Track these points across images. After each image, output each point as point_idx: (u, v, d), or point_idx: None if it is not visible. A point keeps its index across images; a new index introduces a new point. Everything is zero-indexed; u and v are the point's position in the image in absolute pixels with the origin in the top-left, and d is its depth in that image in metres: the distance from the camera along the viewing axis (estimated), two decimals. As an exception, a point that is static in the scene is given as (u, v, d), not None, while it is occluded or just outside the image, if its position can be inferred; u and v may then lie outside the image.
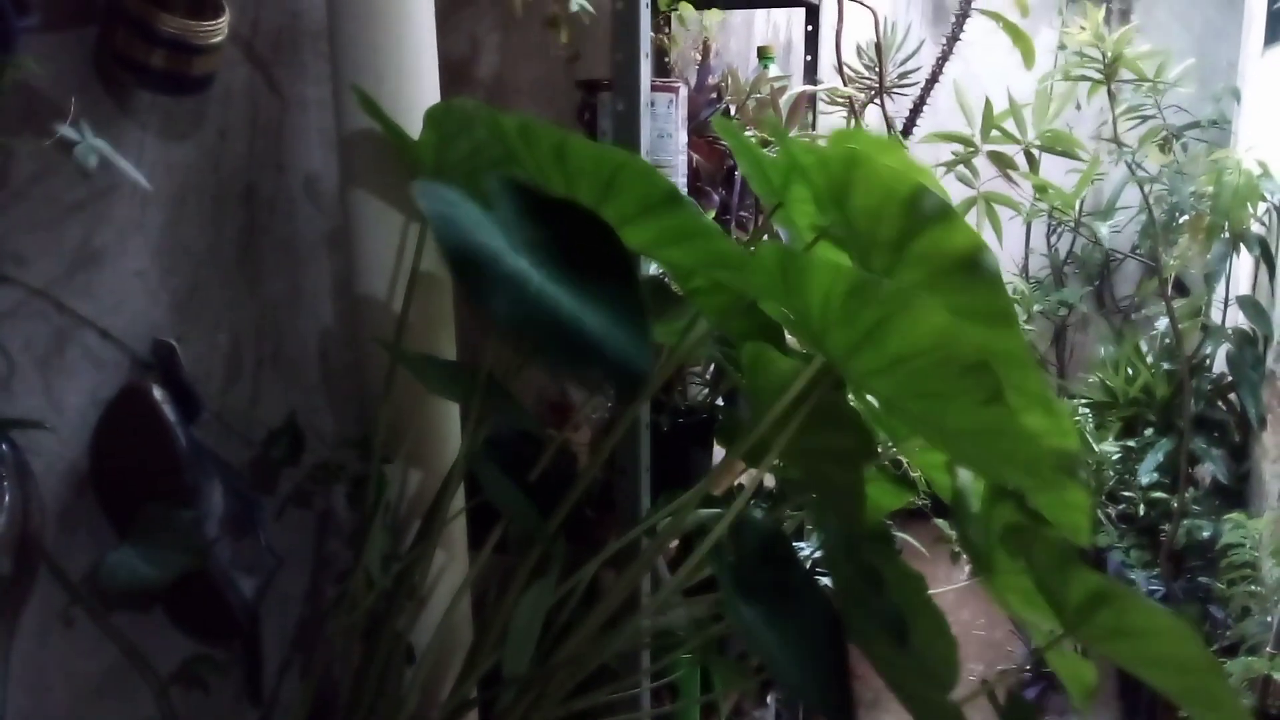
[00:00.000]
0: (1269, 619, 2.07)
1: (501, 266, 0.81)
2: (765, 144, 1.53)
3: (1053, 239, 3.59)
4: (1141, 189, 2.58)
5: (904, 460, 1.67)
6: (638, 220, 0.93)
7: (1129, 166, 2.58)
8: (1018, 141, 2.35)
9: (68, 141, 0.80)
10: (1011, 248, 3.52)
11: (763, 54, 1.86)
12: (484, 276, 0.80)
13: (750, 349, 0.96)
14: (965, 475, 1.05)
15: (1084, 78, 2.45)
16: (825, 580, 1.30)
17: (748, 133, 1.44)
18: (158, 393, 0.96)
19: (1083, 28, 2.38)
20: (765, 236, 1.35)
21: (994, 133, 2.29)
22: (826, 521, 1.00)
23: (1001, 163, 2.24)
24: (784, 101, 1.67)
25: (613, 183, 0.90)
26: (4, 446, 0.83)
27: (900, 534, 1.91)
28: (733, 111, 1.67)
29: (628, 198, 0.91)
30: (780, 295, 0.88)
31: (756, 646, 0.84)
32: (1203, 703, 0.83)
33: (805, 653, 0.86)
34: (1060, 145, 2.34)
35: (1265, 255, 2.47)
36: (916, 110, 2.27)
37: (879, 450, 1.10)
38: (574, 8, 1.20)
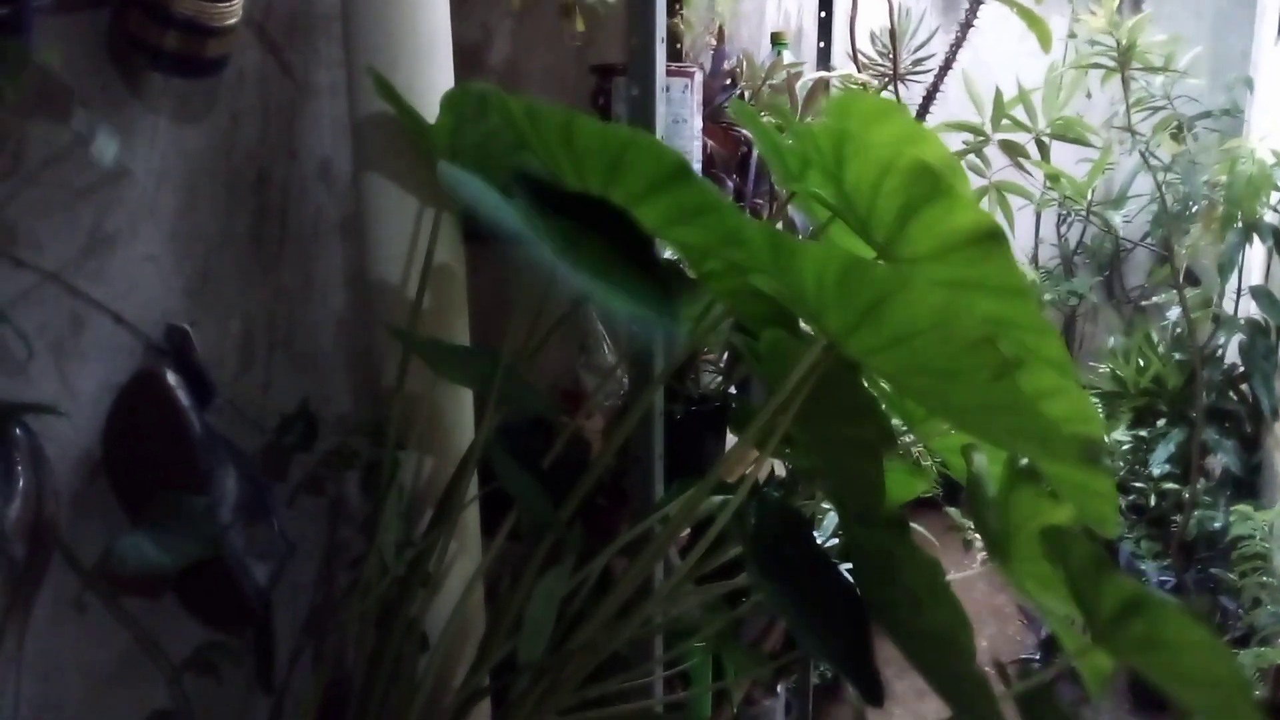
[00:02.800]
0: (1281, 610, 2.07)
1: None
2: (781, 130, 1.52)
3: (1062, 229, 3.57)
4: (1154, 178, 2.56)
5: (914, 451, 1.66)
6: (648, 199, 0.92)
7: (1142, 155, 2.56)
8: (1028, 130, 2.33)
9: (78, 135, 0.79)
10: (1021, 237, 3.50)
11: (776, 40, 1.84)
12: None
13: (770, 335, 0.95)
14: (981, 460, 1.04)
15: (1097, 65, 2.43)
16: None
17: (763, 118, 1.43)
18: (171, 378, 0.95)
19: (1093, 12, 2.37)
20: (780, 224, 1.34)
21: (1005, 121, 2.27)
22: (844, 509, 0.99)
23: (1013, 151, 2.23)
24: (800, 87, 1.66)
25: (621, 160, 0.89)
26: (18, 432, 0.83)
27: (912, 524, 1.90)
28: (747, 97, 1.65)
29: (636, 175, 0.90)
30: (774, 276, 0.88)
31: (782, 612, 0.84)
32: None
33: (829, 623, 0.86)
34: (1071, 133, 2.32)
35: (1278, 245, 2.46)
36: (930, 97, 2.25)
37: (896, 439, 1.09)
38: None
